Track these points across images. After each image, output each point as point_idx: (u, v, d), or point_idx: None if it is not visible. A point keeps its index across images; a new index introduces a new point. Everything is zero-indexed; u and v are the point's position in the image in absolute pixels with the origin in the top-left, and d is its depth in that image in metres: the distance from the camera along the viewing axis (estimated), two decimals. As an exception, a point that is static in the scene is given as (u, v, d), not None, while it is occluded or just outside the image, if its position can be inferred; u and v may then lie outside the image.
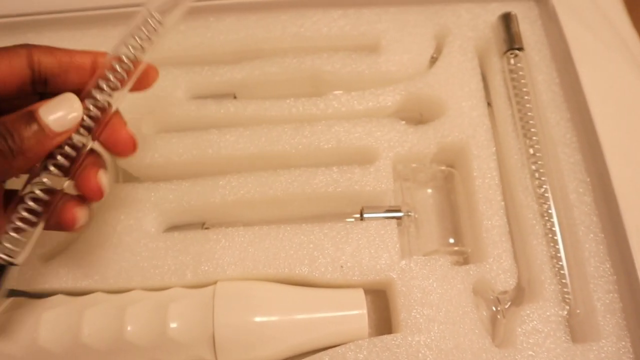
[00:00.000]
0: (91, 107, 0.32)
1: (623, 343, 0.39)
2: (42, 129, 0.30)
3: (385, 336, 0.39)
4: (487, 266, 0.41)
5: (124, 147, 0.36)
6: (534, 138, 0.44)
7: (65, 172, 0.32)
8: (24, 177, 0.33)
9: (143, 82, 0.36)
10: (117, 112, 0.35)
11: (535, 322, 0.39)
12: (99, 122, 0.33)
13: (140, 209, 0.43)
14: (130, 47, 0.33)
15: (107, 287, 0.41)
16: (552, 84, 0.47)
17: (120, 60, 0.33)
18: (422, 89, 0.47)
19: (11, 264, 0.32)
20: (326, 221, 0.43)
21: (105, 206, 0.43)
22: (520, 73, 0.46)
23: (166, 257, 0.41)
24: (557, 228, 0.42)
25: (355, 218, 0.45)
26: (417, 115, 0.50)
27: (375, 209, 0.44)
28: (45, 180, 0.32)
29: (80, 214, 0.34)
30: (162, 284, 0.41)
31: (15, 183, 0.34)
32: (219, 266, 0.41)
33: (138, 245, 0.42)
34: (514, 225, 0.44)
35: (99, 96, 0.33)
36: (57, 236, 0.42)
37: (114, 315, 0.38)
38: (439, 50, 0.49)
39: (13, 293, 0.41)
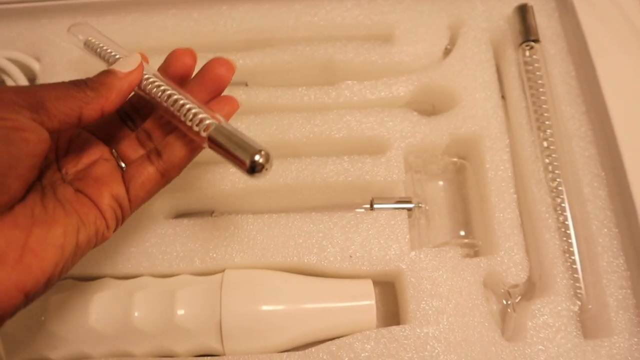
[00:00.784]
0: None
1: (636, 339, 0.38)
2: (111, 71, 0.32)
3: (393, 327, 0.39)
4: (498, 259, 0.41)
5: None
6: (548, 131, 0.44)
7: None
8: None
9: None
10: None
11: (546, 317, 0.39)
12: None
13: (150, 195, 0.43)
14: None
15: (115, 273, 0.41)
16: (568, 77, 0.47)
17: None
18: (435, 80, 0.47)
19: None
20: (336, 211, 0.42)
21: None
22: (536, 65, 0.46)
23: (175, 243, 0.41)
24: (570, 222, 0.42)
25: (365, 208, 0.44)
26: (430, 107, 0.49)
27: (385, 199, 0.43)
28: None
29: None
30: (170, 271, 0.41)
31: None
32: (227, 253, 0.41)
33: (147, 232, 0.42)
34: (526, 219, 0.43)
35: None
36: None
37: (121, 301, 0.38)
38: (453, 41, 0.49)
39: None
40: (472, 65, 0.47)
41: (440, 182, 0.48)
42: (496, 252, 0.41)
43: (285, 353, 0.38)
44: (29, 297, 0.27)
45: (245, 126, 0.45)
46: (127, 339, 0.38)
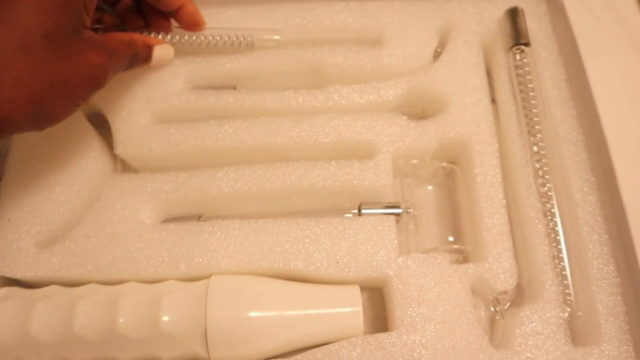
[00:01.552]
0: None
1: (625, 347, 0.38)
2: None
3: (379, 334, 0.38)
4: (487, 265, 0.40)
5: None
6: (538, 135, 0.43)
7: None
8: None
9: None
10: None
11: (534, 324, 0.38)
12: None
13: (136, 200, 0.43)
14: None
15: (100, 277, 0.41)
16: (559, 80, 0.46)
17: None
18: (424, 84, 0.46)
19: None
20: (323, 216, 0.42)
21: (101, 196, 0.43)
22: (526, 69, 0.45)
23: (160, 248, 0.41)
24: (560, 228, 0.41)
25: (353, 214, 0.44)
26: (419, 111, 0.49)
27: (373, 204, 0.43)
28: None
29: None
30: (155, 276, 0.40)
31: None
32: (213, 259, 0.40)
33: (133, 236, 0.41)
34: (515, 224, 0.43)
35: None
36: (53, 224, 0.42)
37: (106, 307, 0.38)
38: (443, 44, 0.49)
39: (7, 282, 0.41)
40: (462, 69, 0.47)
41: (429, 187, 0.48)
42: (485, 258, 0.41)
43: (271, 360, 0.38)
44: None
45: (233, 130, 0.45)
46: (112, 345, 0.38)
